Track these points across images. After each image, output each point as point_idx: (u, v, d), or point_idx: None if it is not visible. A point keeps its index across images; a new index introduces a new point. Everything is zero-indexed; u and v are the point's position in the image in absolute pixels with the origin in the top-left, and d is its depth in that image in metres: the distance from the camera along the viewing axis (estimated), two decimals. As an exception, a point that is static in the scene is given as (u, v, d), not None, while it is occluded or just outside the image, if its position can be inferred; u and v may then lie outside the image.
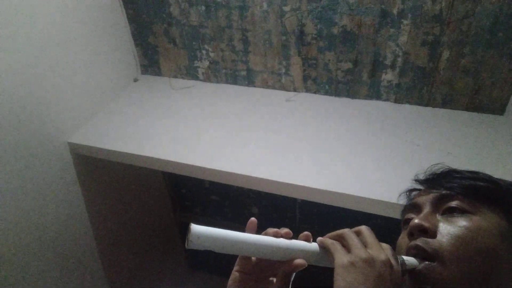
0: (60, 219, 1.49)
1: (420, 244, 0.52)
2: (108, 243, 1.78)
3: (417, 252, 0.52)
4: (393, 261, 0.49)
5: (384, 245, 0.51)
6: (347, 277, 0.46)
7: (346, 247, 0.50)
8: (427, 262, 0.50)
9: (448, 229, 0.52)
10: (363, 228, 0.52)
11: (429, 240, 0.52)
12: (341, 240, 0.51)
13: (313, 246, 0.54)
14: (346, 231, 0.52)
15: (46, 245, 1.44)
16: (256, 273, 0.60)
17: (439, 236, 0.52)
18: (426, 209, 0.56)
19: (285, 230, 0.56)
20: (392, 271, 0.48)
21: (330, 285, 0.47)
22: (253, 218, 0.58)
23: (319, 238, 0.53)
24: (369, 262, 0.47)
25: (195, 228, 0.50)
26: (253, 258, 0.60)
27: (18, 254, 1.34)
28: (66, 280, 1.56)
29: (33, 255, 1.40)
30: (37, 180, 1.36)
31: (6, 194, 1.26)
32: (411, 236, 0.54)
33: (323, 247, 0.52)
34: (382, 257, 0.48)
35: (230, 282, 0.60)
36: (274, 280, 0.59)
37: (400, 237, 0.59)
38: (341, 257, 0.48)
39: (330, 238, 0.53)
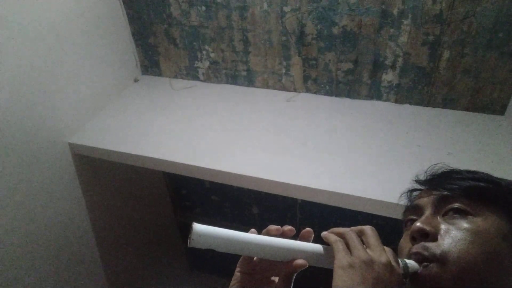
0: (61, 219, 1.49)
1: (421, 250, 0.52)
2: (108, 243, 1.78)
3: (418, 258, 0.52)
4: (394, 264, 0.49)
5: (386, 248, 0.51)
6: (345, 278, 0.46)
7: (348, 247, 0.50)
8: (428, 266, 0.50)
9: (449, 232, 0.52)
10: (367, 229, 0.52)
11: (430, 245, 0.52)
12: (343, 239, 0.51)
13: (315, 247, 0.54)
14: (348, 231, 0.52)
15: (47, 245, 1.44)
16: (258, 273, 0.60)
17: (440, 239, 0.52)
18: (428, 211, 0.56)
19: (288, 227, 0.56)
20: (392, 273, 0.48)
21: (331, 286, 0.47)
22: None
23: (324, 232, 0.53)
24: (368, 263, 0.47)
25: (197, 227, 0.50)
26: (255, 258, 0.60)
27: (19, 254, 1.34)
28: (66, 280, 1.56)
29: (33, 255, 1.40)
30: (37, 180, 1.36)
31: (7, 194, 1.26)
32: (413, 240, 0.54)
33: (326, 243, 0.52)
34: (383, 259, 0.48)
35: (232, 282, 0.60)
36: (276, 280, 0.60)
37: (402, 239, 0.59)
38: (341, 258, 0.48)
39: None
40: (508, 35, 1.23)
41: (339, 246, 0.50)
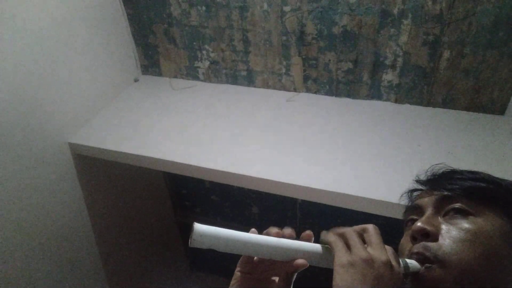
0: (61, 219, 1.49)
1: (422, 250, 0.52)
2: (108, 243, 1.78)
3: (419, 258, 0.52)
4: (394, 263, 0.49)
5: (387, 247, 0.51)
6: (345, 276, 0.46)
7: (348, 246, 0.50)
8: (429, 266, 0.50)
9: (450, 232, 0.52)
10: (370, 227, 0.52)
11: (431, 244, 0.51)
12: (343, 238, 0.51)
13: (315, 246, 0.54)
14: (348, 230, 0.52)
15: (47, 245, 1.44)
16: (258, 273, 0.60)
17: (441, 240, 0.51)
18: (428, 211, 0.56)
19: (288, 230, 0.56)
20: (392, 272, 0.48)
21: (331, 286, 0.47)
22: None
23: (323, 232, 0.53)
24: (369, 262, 0.47)
25: (199, 227, 0.50)
26: (255, 258, 0.60)
27: (19, 254, 1.34)
28: (66, 280, 1.56)
29: (33, 255, 1.40)
30: (37, 180, 1.36)
31: (7, 194, 1.26)
32: (414, 239, 0.54)
33: (325, 242, 0.52)
34: (383, 258, 0.48)
35: (232, 281, 0.60)
36: (276, 279, 0.60)
37: (402, 239, 0.59)
38: (341, 256, 0.48)
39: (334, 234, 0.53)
40: (508, 35, 1.23)
41: (338, 244, 0.50)
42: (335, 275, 0.47)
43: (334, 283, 0.46)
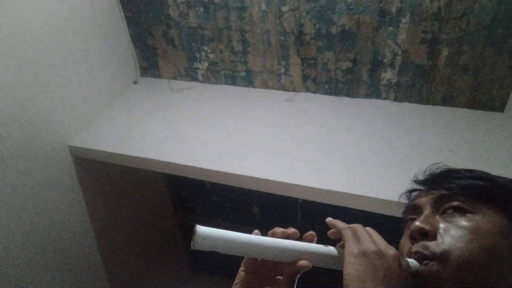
0: (61, 221, 1.49)
1: (421, 250, 0.52)
2: (109, 245, 1.78)
3: (418, 257, 0.52)
4: (401, 259, 0.49)
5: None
6: (358, 266, 0.47)
7: (357, 237, 0.51)
8: (429, 264, 0.51)
9: (448, 230, 0.52)
10: (368, 229, 0.53)
11: (430, 244, 0.52)
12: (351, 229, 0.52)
13: (318, 247, 0.54)
14: (357, 225, 0.52)
15: (48, 247, 1.44)
16: (262, 273, 0.60)
17: (439, 238, 0.52)
18: (426, 210, 0.57)
19: (292, 230, 0.57)
20: (400, 267, 0.48)
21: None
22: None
23: (329, 218, 0.54)
24: (379, 254, 0.48)
25: (201, 229, 0.50)
26: (259, 259, 0.60)
27: (20, 256, 1.34)
28: (67, 282, 1.56)
29: (34, 257, 1.40)
30: (37, 183, 1.36)
31: (7, 197, 1.26)
32: (413, 239, 0.55)
33: (333, 226, 0.53)
34: (391, 252, 0.49)
35: (236, 281, 0.61)
36: (281, 278, 0.60)
37: (402, 238, 0.59)
38: (352, 245, 0.49)
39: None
40: (506, 32, 1.23)
41: (348, 233, 0.51)
42: (346, 264, 0.48)
43: (345, 271, 0.47)
